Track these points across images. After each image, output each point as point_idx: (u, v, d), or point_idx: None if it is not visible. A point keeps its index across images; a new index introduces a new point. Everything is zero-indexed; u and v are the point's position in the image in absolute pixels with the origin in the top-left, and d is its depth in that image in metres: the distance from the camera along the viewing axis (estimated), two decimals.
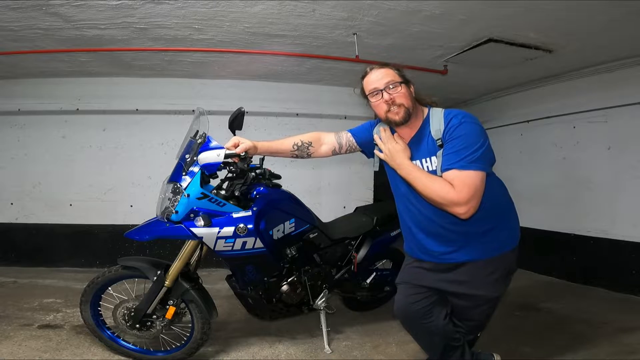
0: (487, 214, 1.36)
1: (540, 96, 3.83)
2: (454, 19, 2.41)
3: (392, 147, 1.44)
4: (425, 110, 1.47)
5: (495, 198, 1.40)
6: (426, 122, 1.43)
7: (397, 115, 1.38)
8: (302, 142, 1.72)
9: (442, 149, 1.34)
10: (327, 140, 1.73)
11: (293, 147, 1.72)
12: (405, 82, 1.41)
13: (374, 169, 1.65)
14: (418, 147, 1.43)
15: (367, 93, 1.44)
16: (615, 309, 2.73)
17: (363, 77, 1.46)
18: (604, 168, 3.29)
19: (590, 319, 2.55)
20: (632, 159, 3.09)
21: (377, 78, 1.40)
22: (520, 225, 1.56)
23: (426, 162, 1.40)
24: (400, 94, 1.38)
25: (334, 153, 1.74)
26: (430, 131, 1.40)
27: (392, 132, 1.51)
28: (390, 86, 1.38)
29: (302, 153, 1.73)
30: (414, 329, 1.58)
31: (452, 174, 1.28)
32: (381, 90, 1.38)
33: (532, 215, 3.88)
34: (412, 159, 1.43)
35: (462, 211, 1.27)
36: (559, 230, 3.64)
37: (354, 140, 1.69)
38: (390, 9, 2.32)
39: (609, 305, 2.84)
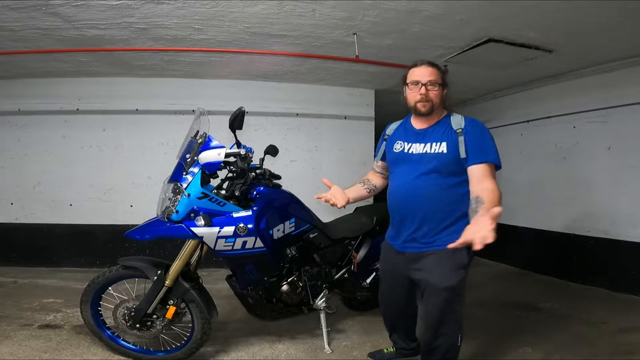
0: (463, 204, 1.51)
1: (540, 96, 3.83)
2: (454, 19, 2.41)
3: (483, 227, 1.24)
4: (445, 112, 1.68)
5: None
6: (446, 119, 1.65)
7: (424, 107, 1.61)
8: (368, 180, 1.94)
9: (462, 137, 1.56)
10: (375, 177, 1.94)
11: (364, 186, 1.91)
12: (443, 85, 1.63)
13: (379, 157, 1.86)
14: (432, 133, 1.63)
15: (408, 81, 1.64)
16: (615, 309, 2.73)
17: (411, 67, 1.66)
18: (604, 168, 3.29)
19: (590, 319, 2.55)
20: (632, 159, 3.08)
21: (423, 74, 1.60)
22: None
23: (436, 145, 1.59)
24: (435, 93, 1.61)
25: (384, 179, 1.92)
26: (450, 124, 1.61)
27: (409, 119, 1.73)
28: (429, 84, 1.59)
29: (370, 186, 1.92)
30: (388, 311, 1.88)
31: (491, 168, 1.52)
32: (422, 84, 1.59)
33: (532, 215, 3.88)
34: (423, 142, 1.62)
35: None
36: (559, 230, 3.63)
37: (384, 163, 1.87)
38: (390, 9, 2.32)
39: (609, 305, 2.84)
